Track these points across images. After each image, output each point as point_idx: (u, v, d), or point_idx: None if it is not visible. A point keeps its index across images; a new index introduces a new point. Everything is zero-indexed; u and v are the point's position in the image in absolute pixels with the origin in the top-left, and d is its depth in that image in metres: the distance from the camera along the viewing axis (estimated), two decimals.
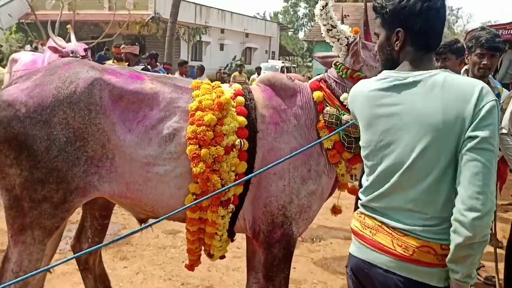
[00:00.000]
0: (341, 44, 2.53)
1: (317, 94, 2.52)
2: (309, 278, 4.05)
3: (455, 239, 1.51)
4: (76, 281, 3.68)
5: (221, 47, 27.36)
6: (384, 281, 1.65)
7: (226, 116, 2.35)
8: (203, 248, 2.53)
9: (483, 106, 1.50)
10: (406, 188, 1.61)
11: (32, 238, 2.17)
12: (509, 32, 9.48)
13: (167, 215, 2.12)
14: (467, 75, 3.07)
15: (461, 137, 1.52)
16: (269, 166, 2.16)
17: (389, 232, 1.64)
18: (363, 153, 1.78)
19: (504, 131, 3.44)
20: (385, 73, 1.73)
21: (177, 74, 9.29)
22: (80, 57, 6.32)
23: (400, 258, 1.60)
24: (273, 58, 31.78)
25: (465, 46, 3.14)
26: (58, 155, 2.10)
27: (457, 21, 45.93)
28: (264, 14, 38.78)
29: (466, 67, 3.08)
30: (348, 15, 26.99)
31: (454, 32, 43.25)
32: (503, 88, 3.47)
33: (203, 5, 25.20)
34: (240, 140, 2.33)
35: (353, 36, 2.51)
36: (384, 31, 1.74)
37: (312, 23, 24.82)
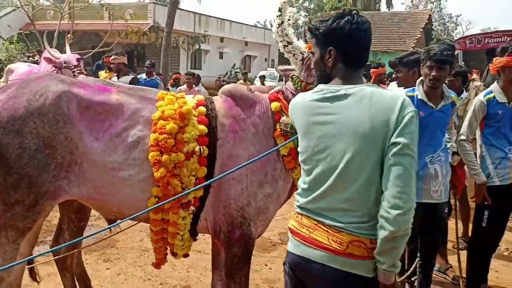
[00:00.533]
0: (296, 59, 2.73)
1: (275, 105, 2.71)
2: (283, 278, 4.20)
3: (381, 234, 1.69)
4: (60, 281, 3.86)
5: (221, 55, 27.65)
6: (321, 274, 1.83)
7: (188, 125, 2.55)
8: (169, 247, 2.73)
9: (405, 116, 1.69)
10: (340, 190, 1.79)
11: (6, 238, 2.37)
12: (494, 41, 9.70)
13: (131, 216, 2.34)
14: (422, 86, 3.26)
15: (386, 143, 1.71)
16: (227, 172, 2.37)
17: (325, 230, 1.82)
18: (301, 158, 1.96)
19: (462, 137, 3.63)
20: (320, 86, 1.93)
21: (185, 85, 9.46)
22: (73, 67, 6.54)
23: (335, 253, 1.78)
24: (272, 66, 32.03)
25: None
26: (29, 162, 2.30)
27: (456, 28, 45.95)
28: (264, 22, 39.23)
29: (422, 77, 3.27)
30: None
31: (453, 39, 43.34)
32: (457, 97, 3.67)
33: (202, 14, 25.52)
34: (200, 147, 2.52)
35: (308, 51, 2.71)
36: (319, 50, 1.94)
37: None
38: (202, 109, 2.62)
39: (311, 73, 2.65)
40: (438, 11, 45.35)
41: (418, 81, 3.30)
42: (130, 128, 2.49)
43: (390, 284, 1.76)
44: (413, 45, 22.90)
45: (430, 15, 28.68)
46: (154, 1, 22.95)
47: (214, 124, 2.61)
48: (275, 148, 2.52)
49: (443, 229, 3.55)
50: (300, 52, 2.71)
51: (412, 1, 46.18)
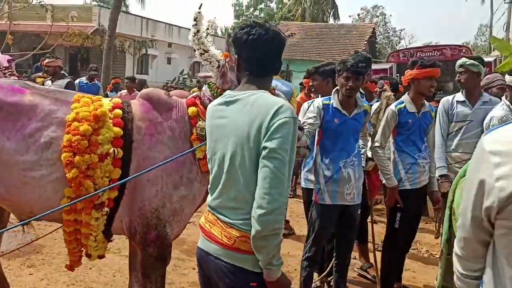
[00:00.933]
0: (213, 66, 2.84)
1: (192, 110, 2.81)
2: None
3: (252, 232, 1.79)
4: None
5: (169, 61, 27.33)
6: (215, 267, 1.94)
7: (102, 127, 2.60)
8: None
9: (276, 121, 1.77)
10: (228, 189, 1.91)
11: None
12: (425, 55, 10.28)
13: (40, 215, 2.36)
14: (337, 95, 3.46)
15: (259, 147, 1.81)
16: (139, 173, 2.44)
17: (220, 225, 1.93)
18: (207, 158, 2.09)
19: (377, 144, 3.88)
20: (226, 92, 2.06)
21: (125, 90, 9.35)
22: (3, 68, 6.36)
23: (225, 247, 1.89)
24: None
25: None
26: None
27: (400, 42, 47.99)
28: (215, 30, 39.19)
29: (337, 87, 3.48)
30: (294, 34, 27.68)
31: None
32: (370, 105, 3.94)
33: (150, 19, 25.21)
34: (115, 149, 2.58)
35: (223, 59, 2.83)
36: (236, 56, 2.07)
37: None
38: (118, 111, 2.68)
39: (226, 80, 2.77)
40: (383, 25, 47.25)
41: (333, 90, 3.51)
42: (43, 129, 2.52)
43: (273, 280, 1.83)
44: None
45: (374, 28, 29.76)
46: (100, 4, 22.53)
47: (130, 126, 2.67)
48: (187, 151, 2.62)
49: (357, 230, 3.75)
50: (216, 60, 2.82)
51: (358, 15, 47.96)
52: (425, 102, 3.95)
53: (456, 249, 1.11)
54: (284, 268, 5.00)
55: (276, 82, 5.41)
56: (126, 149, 2.63)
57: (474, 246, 1.04)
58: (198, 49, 2.82)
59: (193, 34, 2.79)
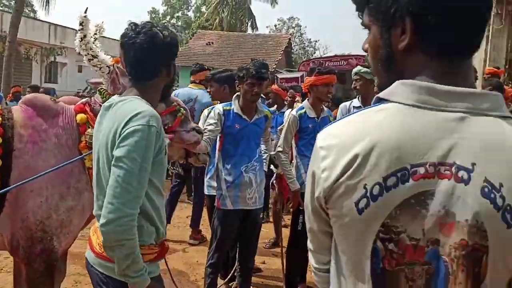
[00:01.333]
0: (103, 72, 2.74)
1: (80, 117, 2.68)
2: None
3: None
4: None
5: (79, 68, 25.99)
6: (92, 275, 1.90)
7: None
8: None
9: (127, 129, 1.71)
10: (98, 196, 1.86)
11: None
12: (333, 64, 10.78)
13: None
14: (238, 101, 3.50)
15: None
16: (16, 184, 2.28)
17: (98, 234, 1.86)
18: None
19: (279, 149, 3.95)
20: (111, 97, 2.00)
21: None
22: None
23: (97, 255, 1.85)
24: None
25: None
26: None
27: (315, 52, 49.87)
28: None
29: (238, 93, 3.51)
30: (212, 42, 27.59)
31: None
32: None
33: (59, 25, 23.99)
34: None
35: (113, 64, 2.74)
36: None
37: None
38: None
39: (117, 86, 2.68)
40: (299, 36, 48.88)
41: (234, 96, 3.54)
42: None
43: None
44: (275, 66, 24.23)
45: (290, 39, 30.65)
46: (4, 9, 21.05)
47: (10, 134, 2.49)
48: (71, 160, 2.50)
49: (259, 234, 3.79)
50: (106, 66, 2.73)
51: (275, 26, 49.23)
52: (324, 107, 4.10)
53: (308, 242, 1.14)
54: (192, 276, 4.98)
55: (197, 92, 5.37)
56: (6, 158, 2.45)
57: (319, 237, 1.07)
58: (86, 55, 2.71)
59: (80, 39, 2.68)
